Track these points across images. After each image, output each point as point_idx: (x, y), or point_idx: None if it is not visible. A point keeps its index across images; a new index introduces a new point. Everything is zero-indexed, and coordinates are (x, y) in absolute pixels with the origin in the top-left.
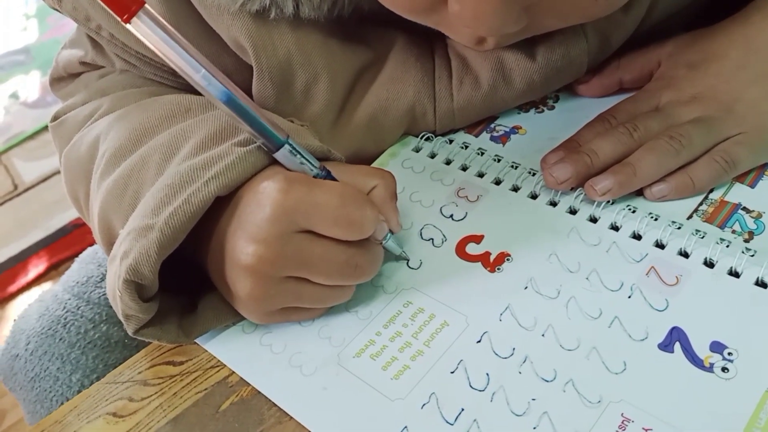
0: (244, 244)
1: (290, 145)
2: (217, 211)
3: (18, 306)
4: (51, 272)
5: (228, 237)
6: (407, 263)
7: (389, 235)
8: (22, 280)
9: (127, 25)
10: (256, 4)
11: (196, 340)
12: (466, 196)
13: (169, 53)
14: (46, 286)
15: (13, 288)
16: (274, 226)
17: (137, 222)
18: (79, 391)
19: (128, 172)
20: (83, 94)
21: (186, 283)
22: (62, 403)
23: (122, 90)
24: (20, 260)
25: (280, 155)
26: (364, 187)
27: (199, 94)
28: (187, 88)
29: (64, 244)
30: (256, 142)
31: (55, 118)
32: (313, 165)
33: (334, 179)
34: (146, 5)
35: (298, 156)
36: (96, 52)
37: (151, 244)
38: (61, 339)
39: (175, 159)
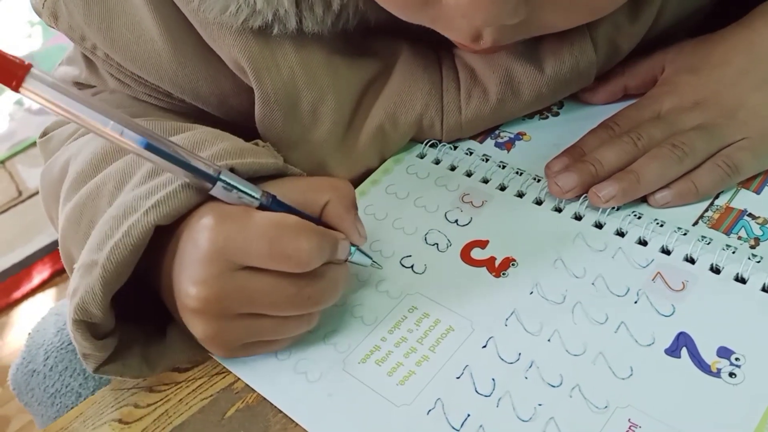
0: (185, 287)
1: (222, 180)
2: (164, 246)
3: (23, 312)
4: (55, 278)
5: (174, 276)
6: (412, 268)
7: (353, 249)
8: (27, 287)
9: (17, 92)
10: (258, 19)
11: None
12: (471, 202)
13: (71, 111)
14: (50, 292)
15: (17, 294)
16: (210, 266)
17: (85, 257)
18: (92, 395)
19: (84, 200)
20: None
21: (157, 306)
22: (74, 407)
23: None
24: (25, 266)
25: (216, 192)
26: (316, 204)
27: (180, 118)
28: (180, 109)
29: None
30: None
31: (44, 134)
32: (253, 196)
33: (282, 204)
34: (33, 68)
35: (235, 191)
36: (89, 72)
37: (95, 282)
38: None
39: (126, 187)
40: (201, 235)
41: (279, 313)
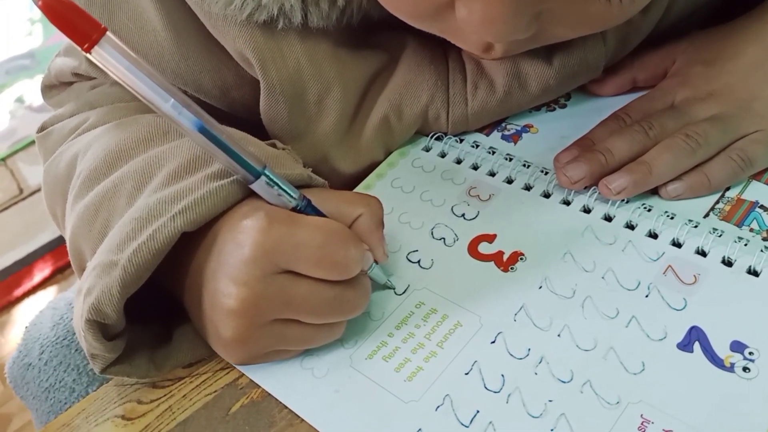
0: (225, 287)
1: (266, 176)
2: (194, 245)
3: (24, 310)
4: (57, 276)
5: (207, 277)
6: (419, 263)
7: (374, 264)
8: (28, 284)
9: (88, 54)
10: (263, 14)
11: None
12: (478, 195)
13: (135, 83)
14: (51, 290)
15: (19, 292)
16: (255, 268)
17: (103, 257)
18: (95, 391)
19: (100, 198)
20: (72, 105)
21: (162, 307)
22: (77, 403)
23: (111, 104)
24: (26, 264)
25: (257, 187)
26: (349, 217)
27: None
28: None
29: None
30: (229, 174)
31: (42, 128)
32: (291, 196)
33: (315, 209)
34: (108, 33)
35: (276, 187)
36: (89, 64)
37: (114, 283)
38: (77, 349)
39: (147, 189)
40: (246, 236)
41: (315, 319)
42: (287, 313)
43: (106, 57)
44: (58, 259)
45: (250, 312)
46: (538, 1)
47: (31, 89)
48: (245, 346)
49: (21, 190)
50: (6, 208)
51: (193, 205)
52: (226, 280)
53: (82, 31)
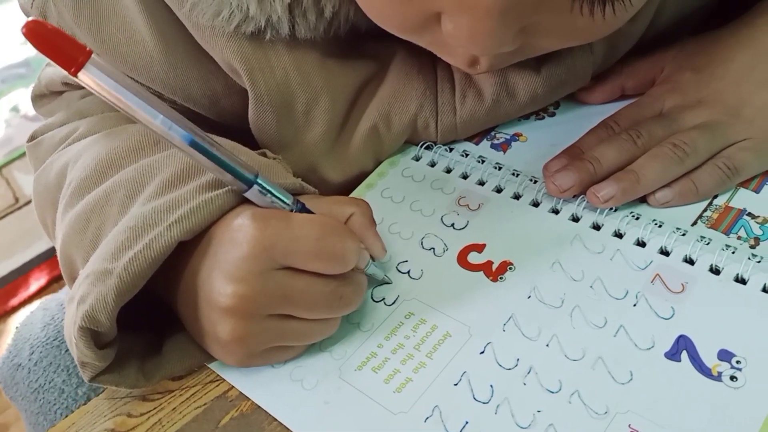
0: (222, 285)
1: (259, 184)
2: (187, 251)
3: (20, 319)
4: (53, 285)
5: (202, 279)
6: (409, 273)
7: (370, 262)
8: (24, 294)
9: (76, 78)
10: (251, 25)
11: None
12: (467, 205)
13: (124, 102)
14: (47, 299)
15: (14, 301)
16: (253, 264)
17: (97, 265)
18: (85, 405)
19: (91, 207)
20: (62, 114)
21: (153, 316)
22: (67, 416)
23: (101, 113)
24: (22, 273)
25: (251, 195)
26: (341, 217)
27: None
28: None
29: None
30: (222, 183)
31: (32, 138)
32: (285, 202)
33: (309, 212)
34: (94, 55)
35: (269, 195)
36: None
37: (109, 291)
38: (67, 351)
39: (140, 198)
40: (243, 234)
41: (312, 314)
42: (284, 307)
43: (94, 78)
44: (54, 268)
45: (247, 308)
46: (523, 15)
47: (26, 98)
48: (244, 344)
49: (17, 199)
50: (2, 217)
51: (189, 214)
52: (222, 279)
53: (68, 54)
